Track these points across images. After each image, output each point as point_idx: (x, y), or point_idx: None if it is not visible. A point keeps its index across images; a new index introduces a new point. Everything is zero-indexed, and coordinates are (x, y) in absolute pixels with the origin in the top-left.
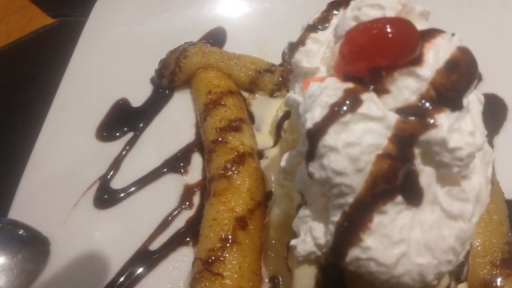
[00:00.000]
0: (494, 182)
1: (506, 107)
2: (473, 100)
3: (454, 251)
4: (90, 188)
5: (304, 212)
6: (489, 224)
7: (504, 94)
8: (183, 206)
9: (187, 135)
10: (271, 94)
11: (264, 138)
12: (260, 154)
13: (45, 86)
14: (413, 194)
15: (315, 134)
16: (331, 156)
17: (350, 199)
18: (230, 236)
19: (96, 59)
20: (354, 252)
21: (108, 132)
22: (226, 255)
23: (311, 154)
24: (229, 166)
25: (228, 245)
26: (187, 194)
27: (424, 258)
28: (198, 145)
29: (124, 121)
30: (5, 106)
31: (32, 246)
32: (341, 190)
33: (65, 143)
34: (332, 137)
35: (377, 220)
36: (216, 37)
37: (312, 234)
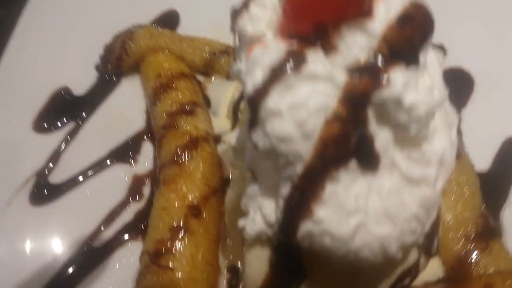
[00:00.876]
0: (463, 155)
1: (472, 80)
2: (432, 59)
3: (418, 219)
4: (25, 184)
5: (252, 189)
6: (460, 198)
7: (470, 67)
8: (132, 199)
9: (137, 123)
10: (228, 77)
11: (221, 122)
12: (218, 139)
13: None
14: (368, 159)
15: (256, 98)
16: (274, 121)
17: (298, 169)
18: (181, 226)
19: (35, 45)
20: (306, 226)
21: (47, 123)
22: (177, 246)
23: (253, 121)
24: (180, 151)
25: (179, 235)
26: (136, 185)
27: (384, 227)
28: (149, 133)
29: (65, 110)
30: None
31: None
32: (288, 159)
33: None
34: (275, 100)
35: (330, 189)
36: (167, 20)
37: (261, 212)
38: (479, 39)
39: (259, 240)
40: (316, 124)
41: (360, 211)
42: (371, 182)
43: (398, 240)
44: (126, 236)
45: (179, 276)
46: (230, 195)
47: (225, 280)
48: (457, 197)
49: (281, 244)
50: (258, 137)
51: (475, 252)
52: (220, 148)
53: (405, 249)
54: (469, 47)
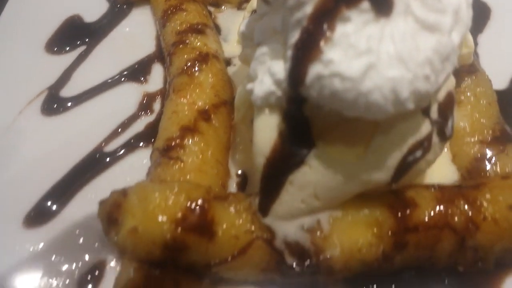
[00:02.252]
0: (480, 71)
1: (489, 8)
2: None
3: (432, 66)
4: (38, 97)
5: (261, 50)
6: (477, 107)
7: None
8: (142, 112)
9: (147, 47)
10: (239, 7)
11: (231, 48)
12: (228, 62)
13: None
14: (381, 1)
15: None
16: None
17: (308, 9)
18: (191, 126)
19: None
20: (315, 69)
21: (59, 46)
22: (187, 142)
23: None
24: (190, 64)
25: (189, 133)
26: (146, 101)
27: (396, 70)
28: (159, 56)
29: (76, 35)
30: None
31: None
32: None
33: (13, 55)
34: None
35: (340, 29)
36: None
37: (270, 72)
38: None
39: (267, 105)
40: None
41: (372, 52)
42: (384, 26)
43: (411, 84)
44: (137, 144)
45: (189, 167)
46: (239, 90)
47: (234, 183)
48: (473, 106)
49: (290, 107)
50: None
51: (492, 154)
52: (231, 70)
53: (418, 99)
54: None
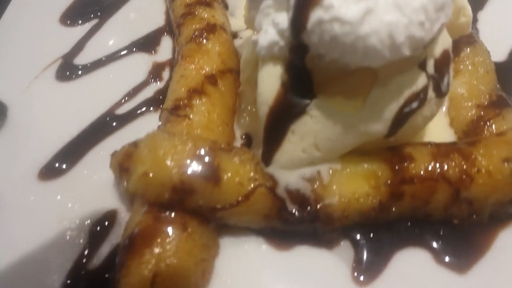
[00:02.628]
0: (479, 41)
1: None
2: None
3: (426, 13)
4: (52, 64)
5: (266, 3)
6: (475, 74)
7: None
8: (152, 80)
9: (156, 21)
10: None
11: (238, 22)
12: (235, 35)
13: None
14: None
15: None
16: None
17: None
18: (198, 89)
19: None
20: (316, 14)
21: (72, 18)
22: (194, 102)
23: None
24: (198, 33)
25: (196, 94)
26: (156, 70)
27: (393, 15)
28: (168, 29)
29: (89, 8)
30: None
31: None
32: None
33: (29, 27)
34: None
35: None
36: None
37: (274, 22)
38: None
39: (271, 56)
40: None
41: None
42: None
43: (406, 29)
44: (146, 108)
45: (196, 124)
46: (245, 51)
47: (239, 145)
48: (471, 74)
49: (292, 58)
50: None
51: (488, 117)
52: (237, 42)
53: (413, 45)
54: None
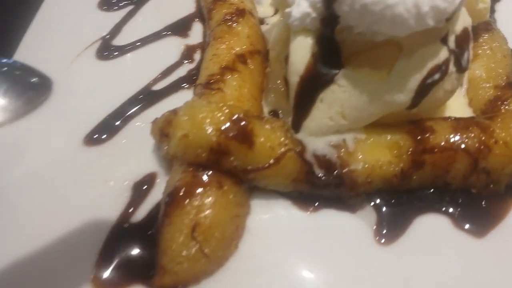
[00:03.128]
0: (495, 29)
1: None
2: None
3: None
4: (93, 44)
5: None
6: (493, 58)
7: None
8: (184, 60)
9: (188, 8)
10: None
11: (265, 10)
12: (261, 21)
13: None
14: None
15: None
16: None
17: None
18: (230, 66)
19: None
20: None
21: (109, 5)
22: (226, 77)
23: None
24: (228, 17)
25: (228, 71)
26: (188, 51)
27: None
28: (198, 15)
29: None
30: None
31: (36, 86)
32: None
33: (71, 11)
34: None
35: None
36: None
37: None
38: None
39: (303, 28)
40: None
41: None
42: None
43: (431, 0)
44: (180, 85)
45: (228, 97)
46: (275, 28)
47: None
48: (489, 58)
49: (323, 29)
50: None
51: (505, 97)
52: (264, 28)
53: (437, 15)
54: None
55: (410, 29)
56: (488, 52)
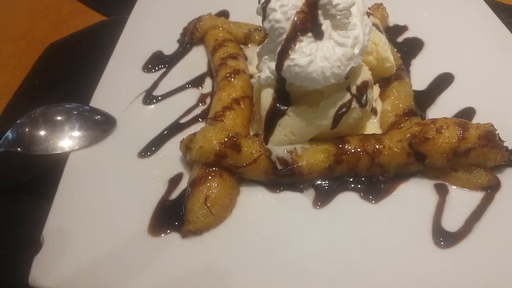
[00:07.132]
0: (405, 79)
1: (422, 41)
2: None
3: (341, 62)
4: (140, 95)
5: (264, 57)
6: (397, 98)
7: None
8: (200, 104)
9: (202, 69)
10: (259, 44)
11: (253, 68)
12: (251, 76)
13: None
14: (317, 33)
15: (265, 7)
16: (272, 13)
17: (283, 36)
18: (229, 106)
19: (144, 30)
20: (287, 63)
21: (149, 68)
22: (226, 113)
23: (263, 17)
24: (228, 75)
25: (227, 109)
26: (202, 97)
27: (323, 63)
28: (209, 73)
29: (160, 60)
30: None
31: (105, 123)
32: (279, 32)
33: (124, 74)
34: (272, 2)
35: (298, 45)
36: (222, 14)
37: (268, 66)
38: None
39: (267, 85)
40: (292, 13)
41: (312, 55)
42: (319, 44)
43: (331, 69)
44: (197, 119)
45: (227, 125)
46: (255, 87)
47: None
48: (395, 97)
49: (278, 85)
50: (266, 23)
51: (400, 122)
52: (253, 80)
53: (335, 77)
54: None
55: (322, 84)
56: (395, 93)
